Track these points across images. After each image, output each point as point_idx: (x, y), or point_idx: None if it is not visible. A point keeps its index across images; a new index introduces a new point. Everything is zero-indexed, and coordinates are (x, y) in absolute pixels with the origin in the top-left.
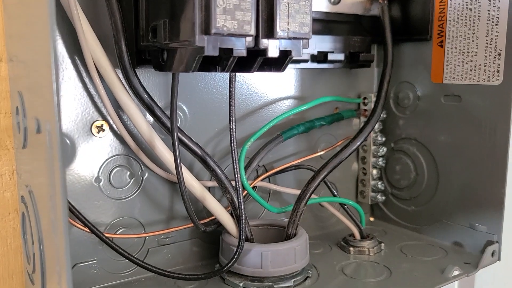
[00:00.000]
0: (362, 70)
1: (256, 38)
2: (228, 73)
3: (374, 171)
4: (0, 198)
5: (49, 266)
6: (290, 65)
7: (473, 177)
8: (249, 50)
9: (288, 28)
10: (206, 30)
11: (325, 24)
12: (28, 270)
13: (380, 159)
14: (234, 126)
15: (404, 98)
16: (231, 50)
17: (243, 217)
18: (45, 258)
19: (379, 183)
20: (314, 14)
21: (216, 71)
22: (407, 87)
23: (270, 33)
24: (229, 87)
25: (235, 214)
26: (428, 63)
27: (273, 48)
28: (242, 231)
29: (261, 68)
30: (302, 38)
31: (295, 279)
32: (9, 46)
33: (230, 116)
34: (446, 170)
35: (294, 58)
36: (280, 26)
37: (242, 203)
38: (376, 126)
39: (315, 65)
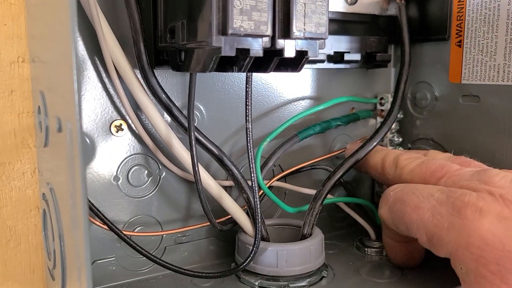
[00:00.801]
0: (379, 70)
1: (273, 39)
2: (245, 73)
3: None
4: (22, 196)
5: (69, 262)
6: (306, 65)
7: None
8: (265, 51)
9: (304, 29)
10: (223, 31)
11: (341, 24)
12: (48, 266)
13: None
14: (250, 126)
15: (421, 99)
16: (247, 50)
17: (259, 216)
18: (65, 254)
19: None
20: (331, 14)
21: (232, 71)
22: (425, 87)
23: (287, 33)
24: (246, 87)
25: (251, 213)
26: (446, 63)
27: (289, 48)
28: (258, 230)
29: (277, 69)
30: (318, 38)
31: (310, 278)
32: (32, 47)
33: (246, 116)
34: None
35: (310, 58)
36: (297, 27)
37: (258, 202)
38: (393, 126)
39: (332, 65)
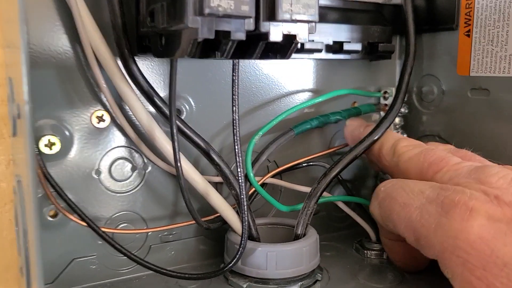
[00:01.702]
0: (383, 62)
1: (257, 21)
2: (232, 60)
3: None
4: None
5: (32, 259)
6: (303, 56)
7: None
8: (249, 34)
9: (291, 10)
10: (199, 11)
11: (342, 12)
12: (19, 263)
13: None
14: (237, 117)
15: (428, 93)
16: (228, 33)
17: (246, 213)
18: (29, 250)
19: None
20: (331, 1)
21: (215, 57)
22: (431, 81)
23: (272, 15)
24: (232, 75)
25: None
26: (454, 54)
27: (275, 32)
28: (245, 228)
29: (265, 55)
30: (307, 21)
31: (303, 282)
32: (6, 32)
33: (233, 106)
34: None
35: (306, 47)
36: (283, 8)
37: (244, 197)
38: (398, 121)
39: (330, 56)
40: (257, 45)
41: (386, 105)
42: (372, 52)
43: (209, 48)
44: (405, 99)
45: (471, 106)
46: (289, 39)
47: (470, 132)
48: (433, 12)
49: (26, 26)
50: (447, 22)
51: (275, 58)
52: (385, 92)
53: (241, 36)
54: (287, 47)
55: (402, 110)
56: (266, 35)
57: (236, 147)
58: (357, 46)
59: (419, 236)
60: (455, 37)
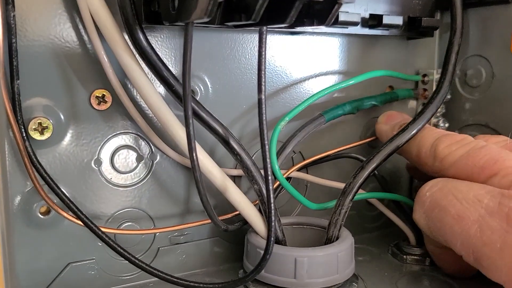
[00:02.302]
0: (422, 41)
1: None
2: (258, 28)
3: None
4: None
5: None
6: (335, 30)
7: None
8: None
9: None
10: None
11: None
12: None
13: None
14: (264, 97)
15: (473, 76)
16: None
17: (273, 213)
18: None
19: None
20: None
21: (240, 21)
22: (479, 62)
23: None
24: (259, 46)
25: (264, 210)
26: (507, 32)
27: None
28: (272, 230)
29: (300, 21)
30: None
31: None
32: None
33: (259, 84)
34: None
35: (340, 19)
36: None
37: (272, 195)
38: (439, 109)
39: (366, 31)
40: (292, 6)
41: (425, 90)
42: (413, 28)
43: (232, 10)
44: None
45: None
46: (330, 0)
47: None
48: None
49: None
50: None
51: (313, 24)
52: (425, 75)
53: None
54: (327, 11)
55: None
56: None
57: (263, 133)
58: (398, 20)
59: (480, 257)
60: (510, 11)
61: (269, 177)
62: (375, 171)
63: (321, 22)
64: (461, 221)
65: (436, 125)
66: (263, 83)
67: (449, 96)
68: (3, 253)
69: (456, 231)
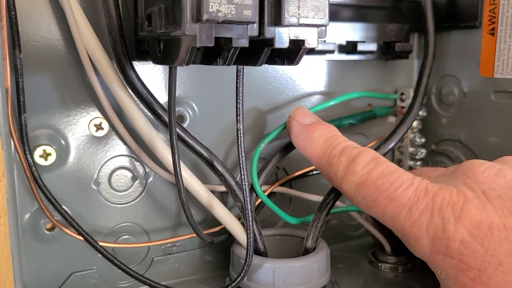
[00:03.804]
0: (400, 62)
1: (261, 26)
2: (236, 66)
3: None
4: None
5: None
6: (314, 56)
7: None
8: (253, 40)
9: (299, 13)
10: (197, 17)
11: (356, 10)
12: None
13: (419, 162)
14: (241, 127)
15: (448, 94)
16: (230, 40)
17: (251, 226)
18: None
19: None
20: None
21: (217, 64)
22: (452, 82)
23: (278, 19)
24: (236, 82)
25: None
26: (476, 54)
27: (281, 38)
28: (250, 245)
29: (272, 60)
30: (316, 25)
31: None
32: None
33: (237, 115)
34: None
35: (316, 48)
36: (289, 11)
37: (249, 210)
38: (415, 125)
39: (344, 57)
40: (262, 51)
41: (403, 107)
42: (389, 52)
43: (210, 55)
44: (424, 102)
45: (495, 109)
46: (297, 44)
47: (493, 137)
48: (454, 8)
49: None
50: (470, 20)
51: (283, 64)
52: (402, 94)
53: (244, 43)
54: (295, 52)
55: (420, 113)
56: (271, 41)
57: (241, 159)
58: (372, 46)
59: (408, 235)
60: (478, 35)
61: (247, 193)
62: None
63: (290, 62)
64: (393, 202)
65: (413, 141)
66: (240, 114)
67: (425, 114)
68: (15, 264)
69: (387, 211)
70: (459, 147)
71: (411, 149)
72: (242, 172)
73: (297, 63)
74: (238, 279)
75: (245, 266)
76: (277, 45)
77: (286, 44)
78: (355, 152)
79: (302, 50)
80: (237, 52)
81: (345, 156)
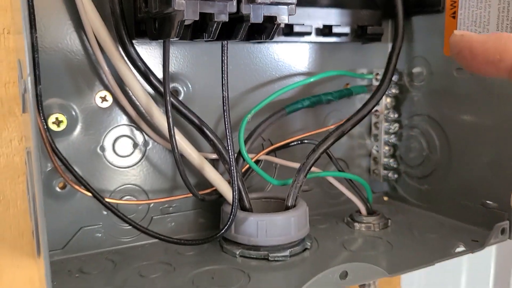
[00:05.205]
0: (376, 46)
1: (238, 3)
2: (221, 42)
3: (386, 148)
4: (10, 162)
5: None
6: (294, 39)
7: (486, 154)
8: (232, 17)
9: None
10: None
11: None
12: (32, 227)
13: (392, 136)
14: (226, 94)
15: (417, 74)
16: (212, 15)
17: (236, 181)
18: (37, 215)
19: (391, 161)
20: None
21: (203, 39)
22: (421, 62)
23: None
24: (222, 56)
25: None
26: (441, 35)
27: (255, 14)
28: (235, 196)
29: (251, 36)
30: (286, 3)
31: (292, 249)
32: (15, 20)
33: (223, 85)
34: (459, 147)
35: (295, 30)
36: None
37: (233, 163)
38: (389, 102)
39: (321, 39)
40: (241, 27)
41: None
42: (362, 35)
43: (198, 30)
44: (396, 81)
45: (457, 85)
46: (271, 20)
47: (456, 110)
48: None
49: (29, 12)
50: (434, 5)
51: (260, 39)
52: (377, 74)
53: (224, 18)
54: (270, 28)
55: (393, 91)
56: (247, 16)
57: (226, 119)
58: (346, 29)
59: None
60: (442, 19)
61: (232, 152)
62: (331, 155)
63: (267, 37)
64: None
65: (387, 116)
66: (225, 84)
67: (397, 91)
68: (35, 218)
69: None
70: (428, 122)
71: (385, 124)
72: (228, 129)
73: (272, 38)
74: (226, 227)
75: (231, 216)
76: (253, 20)
77: (260, 19)
78: None
79: (276, 26)
80: (220, 26)
81: None
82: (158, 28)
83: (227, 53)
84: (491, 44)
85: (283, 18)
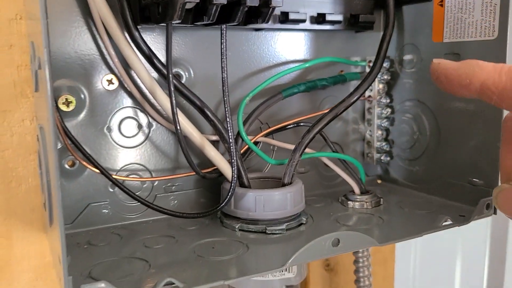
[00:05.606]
0: (369, 34)
1: None
2: (222, 26)
3: (379, 132)
4: (22, 141)
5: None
6: (289, 26)
7: (473, 135)
8: (231, 1)
9: None
10: None
11: None
12: (43, 200)
13: (385, 120)
14: (226, 76)
15: (408, 61)
16: None
17: (235, 157)
18: (50, 186)
19: (384, 144)
20: None
21: (203, 21)
22: (411, 49)
23: None
24: (221, 38)
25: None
26: (429, 23)
27: None
28: (234, 172)
29: (249, 21)
30: None
31: (288, 223)
32: (27, 5)
33: (222, 67)
34: (448, 130)
35: (290, 18)
36: None
37: (233, 143)
38: (381, 88)
39: (315, 26)
40: (238, 10)
41: None
42: (355, 23)
43: (198, 14)
44: (388, 67)
45: None
46: (266, 5)
47: (446, 97)
48: None
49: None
50: None
51: (257, 22)
52: (370, 61)
53: (223, 0)
54: (265, 13)
55: (385, 77)
56: (244, 0)
57: (225, 100)
58: (339, 17)
59: None
60: (430, 7)
61: (231, 130)
62: (325, 136)
63: (263, 21)
64: None
65: (379, 101)
66: (224, 66)
67: (389, 77)
68: (48, 189)
69: None
70: (418, 106)
71: (378, 109)
72: (226, 106)
73: (267, 21)
74: (225, 201)
75: (230, 189)
76: (249, 3)
77: (256, 2)
78: None
79: (271, 9)
80: (219, 9)
81: None
82: (162, 12)
83: (226, 36)
84: (462, 71)
85: (277, 1)
